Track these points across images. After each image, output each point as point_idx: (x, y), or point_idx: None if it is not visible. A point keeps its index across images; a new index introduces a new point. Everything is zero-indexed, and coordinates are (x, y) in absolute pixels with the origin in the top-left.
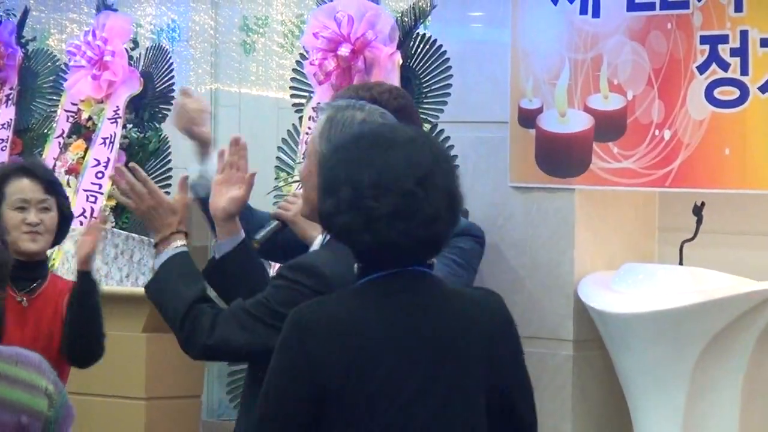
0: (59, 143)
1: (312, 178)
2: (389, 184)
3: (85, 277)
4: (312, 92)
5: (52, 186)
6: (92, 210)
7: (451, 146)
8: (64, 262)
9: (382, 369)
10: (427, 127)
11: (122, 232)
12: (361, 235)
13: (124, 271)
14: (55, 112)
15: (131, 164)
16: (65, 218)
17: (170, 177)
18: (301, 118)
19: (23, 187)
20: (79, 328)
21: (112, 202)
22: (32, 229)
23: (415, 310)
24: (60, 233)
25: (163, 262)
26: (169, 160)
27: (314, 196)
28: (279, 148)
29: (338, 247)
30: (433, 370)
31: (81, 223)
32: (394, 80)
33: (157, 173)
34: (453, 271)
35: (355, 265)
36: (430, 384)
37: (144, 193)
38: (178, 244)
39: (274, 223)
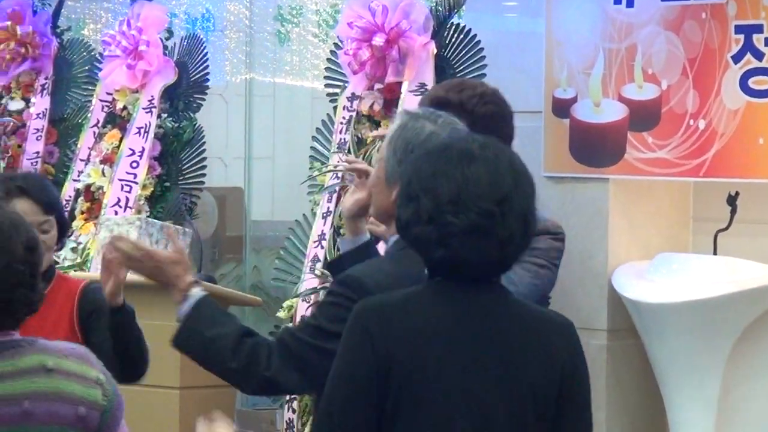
0: (94, 133)
1: (380, 183)
2: (468, 201)
3: (119, 311)
4: (346, 82)
5: (51, 206)
6: (127, 199)
7: None
8: (98, 252)
9: (433, 361)
10: None
11: (157, 221)
12: (436, 249)
13: None
14: (90, 101)
15: (114, 236)
16: (63, 228)
17: (204, 167)
18: (335, 107)
19: (23, 210)
20: (123, 355)
21: (147, 192)
22: None
23: (479, 313)
24: (60, 240)
25: (188, 313)
26: (204, 150)
27: (381, 200)
28: (313, 137)
29: (400, 255)
30: (483, 376)
31: (116, 213)
32: (428, 71)
33: (191, 163)
34: (534, 273)
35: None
36: (477, 390)
37: (140, 257)
38: (195, 290)
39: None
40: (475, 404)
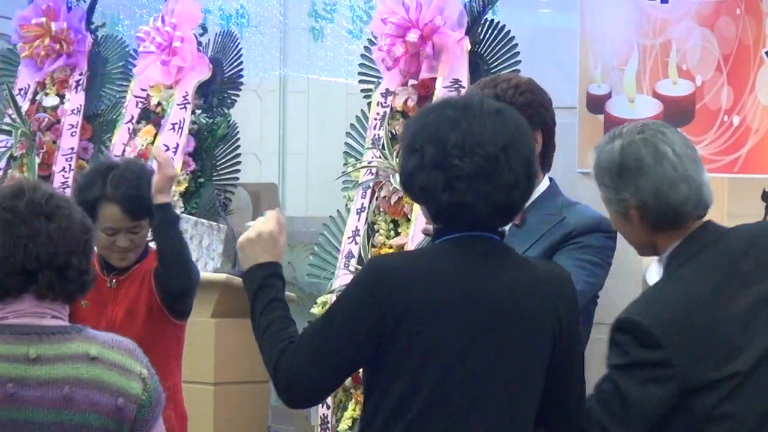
0: (128, 129)
1: None
2: (474, 146)
3: (161, 209)
4: (380, 78)
5: (140, 213)
6: None
7: None
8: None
9: (441, 316)
10: None
11: (191, 217)
12: (441, 194)
13: (194, 255)
14: (125, 97)
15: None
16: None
17: (239, 163)
18: (369, 104)
19: (114, 216)
20: (163, 260)
21: (181, 188)
22: (122, 251)
23: (485, 270)
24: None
25: None
26: (238, 146)
27: None
28: (347, 133)
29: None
30: (490, 325)
31: None
32: (462, 67)
33: (225, 159)
34: (590, 272)
35: (432, 227)
36: (485, 337)
37: None
38: None
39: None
40: (472, 360)
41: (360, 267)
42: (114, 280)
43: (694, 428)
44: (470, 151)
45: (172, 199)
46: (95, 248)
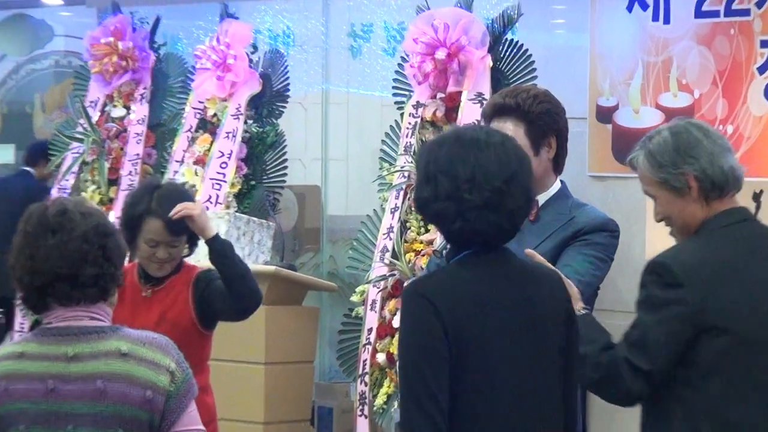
0: (188, 137)
1: None
2: (482, 181)
3: (214, 242)
4: (411, 91)
5: (178, 231)
6: (217, 196)
7: None
8: None
9: (481, 320)
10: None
11: (244, 216)
12: (454, 222)
13: (246, 250)
14: (184, 109)
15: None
16: (193, 239)
17: (286, 167)
18: (402, 114)
19: (156, 230)
20: (230, 286)
21: (235, 190)
22: (161, 262)
23: (504, 276)
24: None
25: None
26: (285, 152)
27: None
28: (382, 141)
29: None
30: (520, 326)
31: (207, 208)
32: (485, 81)
33: (274, 164)
34: (596, 266)
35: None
36: (519, 338)
37: None
38: None
39: None
40: (513, 356)
41: (394, 260)
42: (150, 290)
43: (701, 372)
44: (479, 186)
45: (218, 230)
46: (135, 259)
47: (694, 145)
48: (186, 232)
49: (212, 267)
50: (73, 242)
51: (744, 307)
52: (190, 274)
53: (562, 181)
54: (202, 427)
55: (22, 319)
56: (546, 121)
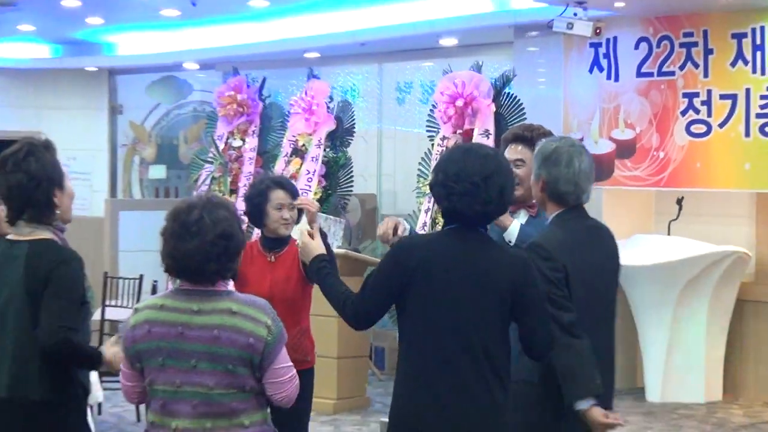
0: (284, 160)
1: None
2: (464, 176)
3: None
4: (439, 129)
5: (295, 194)
6: None
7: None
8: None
9: (437, 274)
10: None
11: (323, 214)
12: (443, 202)
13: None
14: (282, 141)
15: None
16: (299, 210)
17: (352, 181)
18: (432, 144)
19: (280, 195)
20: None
21: (317, 196)
22: (286, 222)
23: (466, 247)
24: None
25: None
26: (352, 170)
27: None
28: (419, 163)
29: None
30: (465, 280)
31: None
32: (490, 121)
33: (344, 179)
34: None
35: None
36: (461, 286)
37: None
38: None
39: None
40: (458, 297)
41: None
42: (273, 257)
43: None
44: (462, 179)
45: None
46: (258, 235)
47: (554, 164)
48: (297, 194)
49: None
50: (203, 246)
51: (586, 268)
52: (294, 247)
53: None
54: (290, 363)
55: (170, 285)
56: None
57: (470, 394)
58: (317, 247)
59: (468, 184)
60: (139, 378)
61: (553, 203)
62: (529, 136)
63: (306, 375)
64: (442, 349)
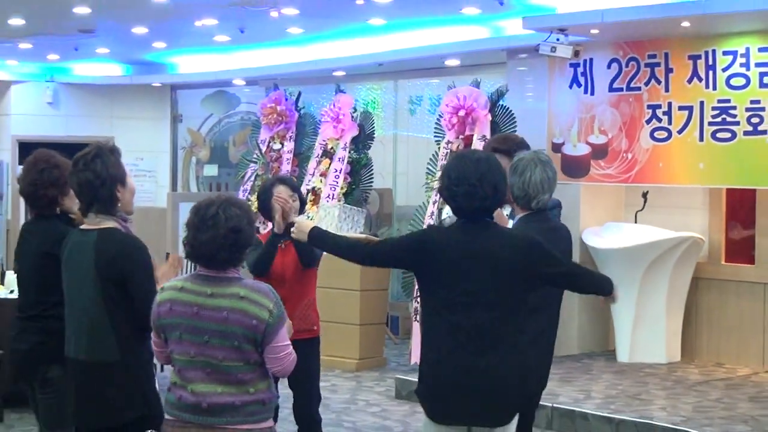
0: (316, 161)
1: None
2: (462, 179)
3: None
4: (444, 135)
5: (295, 189)
6: (333, 194)
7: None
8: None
9: (451, 255)
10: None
11: (348, 205)
12: (451, 203)
13: (349, 225)
14: (314, 144)
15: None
16: (302, 204)
17: (372, 178)
18: (439, 147)
19: (282, 190)
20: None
21: (343, 191)
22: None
23: (476, 237)
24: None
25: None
26: (372, 169)
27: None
28: (427, 163)
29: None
30: (477, 263)
31: (327, 201)
32: (487, 129)
33: (366, 176)
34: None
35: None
36: (474, 269)
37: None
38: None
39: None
40: (470, 278)
41: None
42: (284, 245)
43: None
44: (461, 182)
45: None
46: (268, 227)
47: (520, 175)
48: (299, 191)
49: None
50: (217, 238)
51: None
52: None
53: None
54: (288, 342)
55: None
56: (522, 147)
57: (492, 342)
58: (309, 223)
59: (467, 185)
60: (164, 345)
61: (518, 207)
62: (505, 148)
63: (314, 342)
64: (468, 312)
